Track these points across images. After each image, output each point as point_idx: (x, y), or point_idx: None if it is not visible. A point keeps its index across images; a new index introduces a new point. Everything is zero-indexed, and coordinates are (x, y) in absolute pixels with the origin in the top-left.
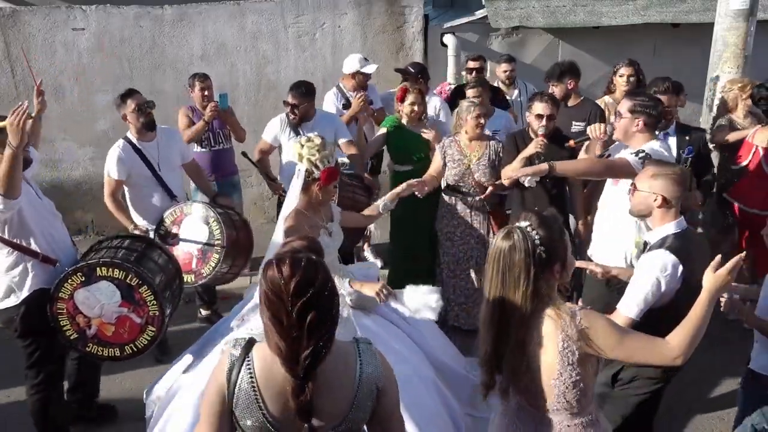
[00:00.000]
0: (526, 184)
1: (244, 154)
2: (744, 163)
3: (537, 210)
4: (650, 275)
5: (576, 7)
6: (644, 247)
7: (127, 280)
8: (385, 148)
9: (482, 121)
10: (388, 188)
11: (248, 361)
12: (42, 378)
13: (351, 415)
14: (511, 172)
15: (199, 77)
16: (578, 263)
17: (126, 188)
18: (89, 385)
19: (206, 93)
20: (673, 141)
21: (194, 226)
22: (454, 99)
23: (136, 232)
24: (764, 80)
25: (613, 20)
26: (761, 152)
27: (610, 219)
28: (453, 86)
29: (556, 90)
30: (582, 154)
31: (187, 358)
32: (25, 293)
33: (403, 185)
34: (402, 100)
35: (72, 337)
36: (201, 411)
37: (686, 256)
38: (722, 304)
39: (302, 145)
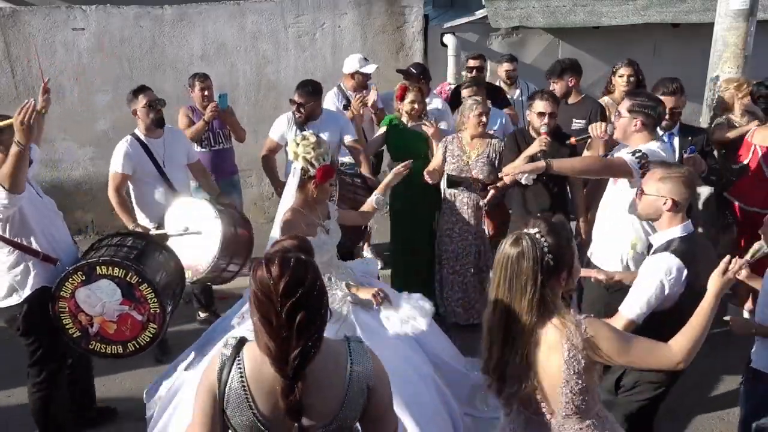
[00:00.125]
0: (523, 182)
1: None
2: (744, 163)
3: (545, 216)
4: (654, 278)
5: (576, 7)
6: (649, 250)
7: (127, 278)
8: (384, 147)
9: (484, 119)
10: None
11: (239, 360)
12: (44, 376)
13: (341, 414)
14: (508, 169)
15: (199, 77)
16: (583, 272)
17: (130, 185)
18: (81, 382)
19: (206, 93)
20: (676, 141)
21: (195, 222)
22: (453, 99)
23: (138, 229)
24: (764, 80)
25: (613, 20)
26: (760, 151)
27: (610, 219)
28: (453, 86)
29: (557, 87)
30: (585, 154)
31: (187, 356)
32: (27, 292)
33: (390, 175)
34: (402, 98)
35: (75, 336)
36: (192, 411)
37: (691, 259)
38: (731, 323)
39: (297, 144)
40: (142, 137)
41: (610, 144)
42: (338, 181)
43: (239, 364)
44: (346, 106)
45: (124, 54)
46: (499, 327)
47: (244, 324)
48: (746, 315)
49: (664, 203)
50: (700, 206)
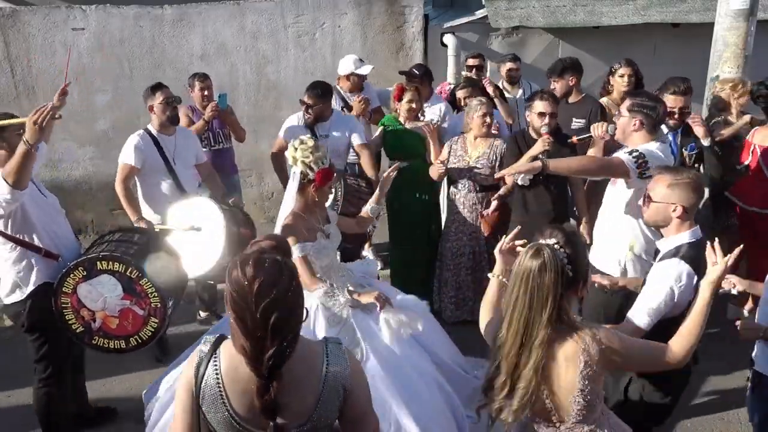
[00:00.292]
0: (519, 182)
1: None
2: (745, 163)
3: (561, 226)
4: (664, 285)
5: (576, 7)
6: (655, 256)
7: (128, 273)
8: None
9: (488, 120)
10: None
11: (215, 358)
12: (50, 372)
13: (316, 414)
14: (506, 170)
15: (199, 77)
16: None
17: (137, 180)
18: (76, 382)
19: (206, 93)
20: (678, 140)
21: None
22: (453, 99)
23: (141, 224)
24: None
25: (613, 20)
26: (759, 151)
27: (608, 220)
28: (453, 86)
29: (558, 86)
30: (590, 152)
31: (187, 356)
32: (30, 288)
33: (380, 183)
34: (399, 98)
35: (78, 331)
36: (175, 406)
37: (701, 266)
38: (740, 330)
39: (296, 148)
40: (155, 132)
41: (611, 145)
42: (344, 185)
43: (215, 361)
44: (344, 108)
45: (124, 54)
46: (514, 342)
47: None
48: (746, 315)
49: (674, 210)
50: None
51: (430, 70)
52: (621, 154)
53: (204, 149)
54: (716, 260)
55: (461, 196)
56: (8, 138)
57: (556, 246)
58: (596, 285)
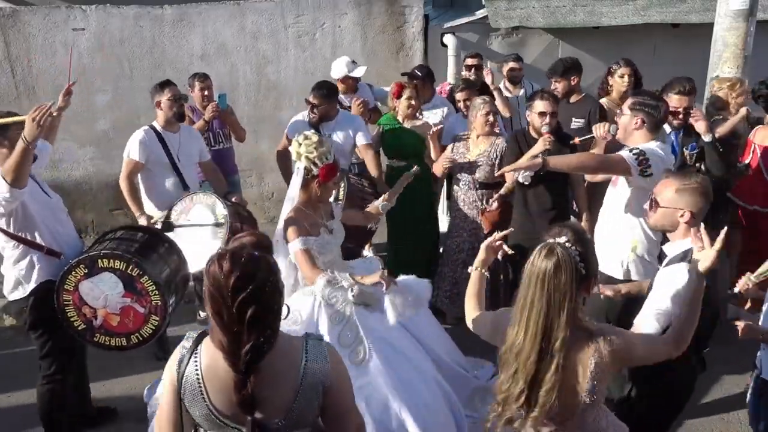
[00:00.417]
0: (520, 180)
1: None
2: (746, 161)
3: (568, 223)
4: (672, 290)
5: (576, 7)
6: (660, 258)
7: (128, 271)
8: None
9: (491, 118)
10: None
11: (196, 353)
12: (55, 369)
13: (295, 410)
14: (506, 168)
15: (199, 77)
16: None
17: (140, 176)
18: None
19: (206, 93)
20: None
21: (201, 215)
22: (452, 100)
23: (142, 220)
24: (765, 79)
25: (613, 20)
26: (759, 151)
27: (609, 221)
28: (451, 86)
29: (560, 86)
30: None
31: None
32: (32, 285)
33: (398, 183)
34: (398, 95)
35: (80, 329)
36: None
37: (709, 270)
38: (740, 330)
39: (300, 144)
40: (159, 129)
41: (613, 145)
42: (347, 183)
43: (196, 357)
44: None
45: (124, 54)
46: (533, 348)
47: None
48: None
49: (681, 215)
50: None
51: (431, 71)
52: (622, 152)
53: None
54: (702, 246)
55: (462, 193)
56: (11, 137)
57: (567, 244)
58: (601, 296)
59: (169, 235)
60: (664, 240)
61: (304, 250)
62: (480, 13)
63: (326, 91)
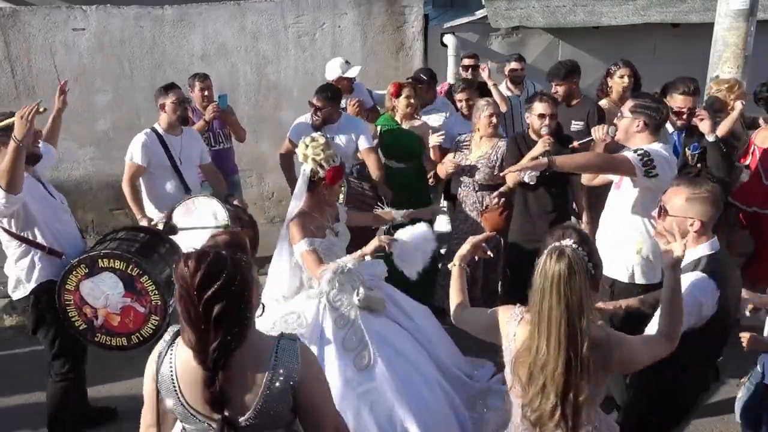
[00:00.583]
0: (526, 179)
1: None
2: (746, 162)
3: (569, 225)
4: (685, 299)
5: (576, 7)
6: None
7: (128, 271)
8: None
9: (494, 120)
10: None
11: (172, 349)
12: (69, 367)
13: (264, 408)
14: (511, 168)
15: (199, 77)
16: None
17: (142, 179)
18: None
19: (206, 93)
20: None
21: (202, 219)
22: (451, 99)
23: (144, 223)
24: (764, 80)
25: (613, 20)
26: (758, 153)
27: (612, 223)
28: (449, 86)
29: (561, 89)
30: None
31: None
32: (32, 285)
33: (423, 211)
34: (397, 95)
35: (81, 328)
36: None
37: (722, 279)
38: (745, 342)
39: (306, 146)
40: (161, 132)
41: (612, 146)
42: (347, 188)
43: (172, 352)
44: None
45: (124, 54)
46: (559, 357)
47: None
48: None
49: (691, 224)
50: None
51: (435, 74)
52: (626, 153)
53: None
54: (668, 240)
55: (463, 194)
56: (3, 140)
57: (574, 245)
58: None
59: (173, 236)
60: None
61: (310, 250)
62: (480, 13)
63: (330, 93)
